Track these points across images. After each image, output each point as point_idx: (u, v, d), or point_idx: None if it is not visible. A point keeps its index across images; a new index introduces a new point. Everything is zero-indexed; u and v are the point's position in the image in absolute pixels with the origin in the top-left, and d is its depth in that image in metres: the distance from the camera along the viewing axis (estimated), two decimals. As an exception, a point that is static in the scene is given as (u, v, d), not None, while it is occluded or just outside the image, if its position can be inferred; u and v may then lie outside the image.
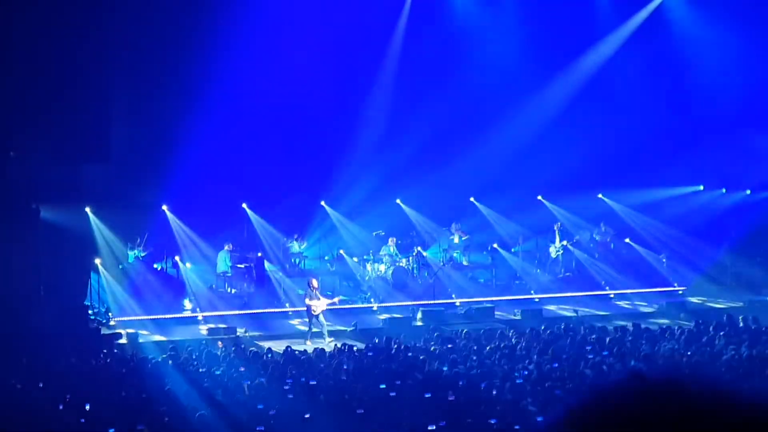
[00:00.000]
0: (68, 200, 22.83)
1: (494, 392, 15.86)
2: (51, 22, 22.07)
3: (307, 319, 23.66)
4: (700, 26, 29.55)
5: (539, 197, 30.21)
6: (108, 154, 23.45)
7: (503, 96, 28.37)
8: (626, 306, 27.07)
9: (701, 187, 30.96)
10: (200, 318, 25.01)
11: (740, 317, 22.09)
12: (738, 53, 28.77)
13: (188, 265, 26.72)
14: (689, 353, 18.43)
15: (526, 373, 16.94)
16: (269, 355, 19.24)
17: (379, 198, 28.17)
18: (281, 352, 19.48)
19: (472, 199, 29.94)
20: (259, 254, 27.17)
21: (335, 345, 20.50)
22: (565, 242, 29.36)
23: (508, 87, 28.32)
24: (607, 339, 20.10)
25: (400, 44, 28.87)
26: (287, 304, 26.02)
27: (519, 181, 28.63)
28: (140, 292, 25.21)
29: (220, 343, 21.51)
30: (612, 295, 27.91)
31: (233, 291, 26.87)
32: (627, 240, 29.88)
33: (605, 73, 29.49)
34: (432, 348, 19.88)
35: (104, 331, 22.82)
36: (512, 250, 29.25)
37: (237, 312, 25.22)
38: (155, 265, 26.58)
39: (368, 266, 27.94)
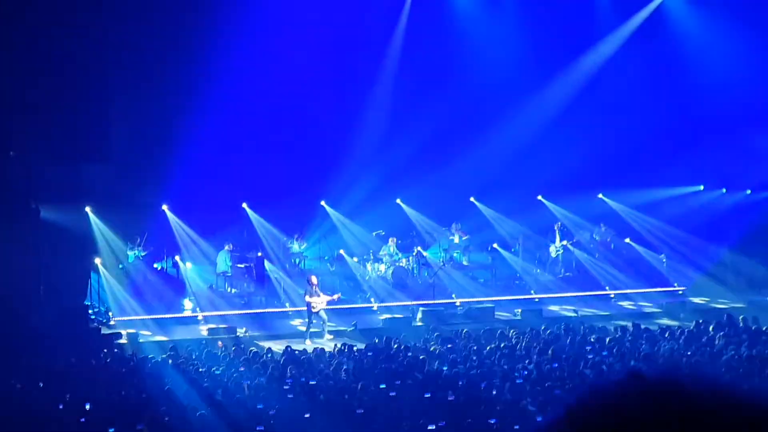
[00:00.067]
0: (68, 200, 22.85)
1: (494, 392, 15.87)
2: (51, 22, 22.09)
3: (306, 318, 23.67)
4: (700, 26, 29.57)
5: (539, 197, 30.21)
6: (108, 154, 23.49)
7: (503, 96, 28.37)
8: (626, 306, 27.08)
9: (701, 187, 30.96)
10: (200, 318, 25.00)
11: (740, 317, 22.10)
12: (738, 53, 28.77)
13: (188, 264, 26.73)
14: (689, 353, 18.44)
15: (526, 373, 16.95)
16: (269, 355, 19.24)
17: (379, 198, 28.17)
18: (281, 351, 19.49)
19: (472, 199, 29.94)
20: (259, 254, 27.18)
21: (335, 345, 20.51)
22: (565, 242, 29.37)
23: (508, 87, 28.32)
24: (607, 339, 20.11)
25: (400, 44, 28.88)
26: (287, 304, 26.02)
27: (519, 181, 28.63)
28: (140, 292, 25.20)
29: (220, 342, 21.51)
30: (612, 295, 27.92)
31: (233, 291, 26.88)
32: (627, 240, 29.89)
33: (605, 73, 29.50)
34: (432, 348, 19.87)
35: (104, 331, 22.82)
36: (512, 249, 29.26)
37: (237, 312, 25.23)
38: (155, 265, 26.59)
39: (368, 266, 27.95)
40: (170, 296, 25.64)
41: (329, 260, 28.43)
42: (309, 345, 21.86)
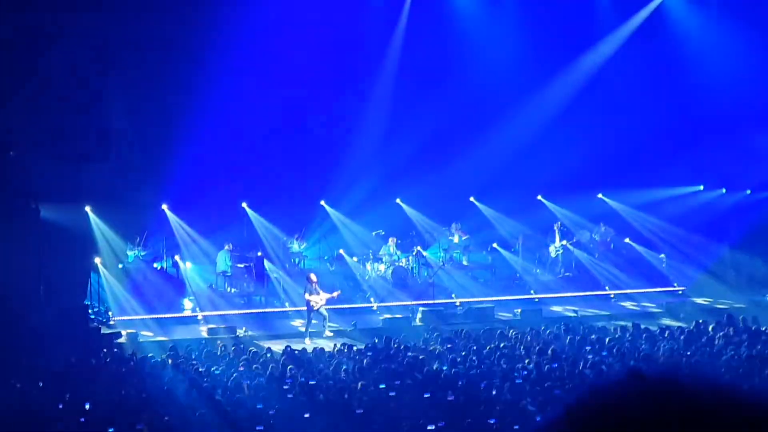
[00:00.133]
0: (68, 200, 22.83)
1: (494, 392, 15.87)
2: (51, 22, 22.08)
3: (306, 318, 23.67)
4: (700, 26, 29.56)
5: (539, 197, 30.22)
6: (108, 154, 23.45)
7: (503, 96, 28.36)
8: (626, 306, 27.09)
9: (701, 187, 30.95)
10: (200, 318, 25.00)
11: (740, 317, 22.10)
12: (738, 53, 28.75)
13: (188, 264, 26.73)
14: (689, 353, 18.44)
15: (526, 373, 16.95)
16: (269, 355, 19.24)
17: (379, 198, 28.17)
18: (281, 351, 19.49)
19: (472, 198, 29.94)
20: (259, 254, 27.17)
21: (335, 345, 20.51)
22: (564, 242, 29.37)
23: (508, 87, 28.31)
24: (607, 339, 20.11)
25: (400, 44, 28.87)
26: (287, 304, 26.02)
27: (519, 181, 28.63)
28: (140, 292, 25.21)
29: (219, 342, 21.51)
30: (612, 295, 27.92)
31: (233, 290, 26.87)
32: (627, 240, 29.89)
33: (605, 73, 29.49)
34: (431, 348, 19.87)
35: (104, 330, 22.81)
36: (512, 249, 29.26)
37: (237, 311, 25.23)
38: (155, 265, 26.59)
39: (368, 266, 27.95)
40: (170, 296, 25.64)
41: (329, 260, 28.44)
42: (308, 344, 21.86)
